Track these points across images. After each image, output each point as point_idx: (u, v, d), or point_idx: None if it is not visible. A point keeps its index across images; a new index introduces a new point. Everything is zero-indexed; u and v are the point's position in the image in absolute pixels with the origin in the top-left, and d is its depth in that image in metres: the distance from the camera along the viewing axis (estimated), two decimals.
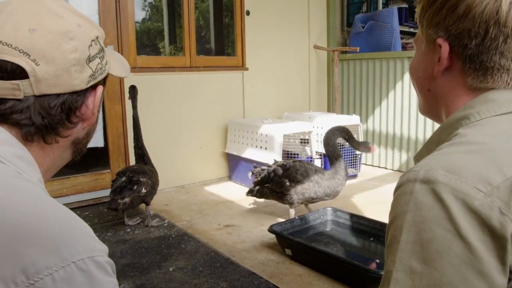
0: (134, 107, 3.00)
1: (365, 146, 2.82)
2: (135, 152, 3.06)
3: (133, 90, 3.03)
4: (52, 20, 0.64)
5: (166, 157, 3.78)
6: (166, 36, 4.08)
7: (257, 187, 2.98)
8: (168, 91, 3.77)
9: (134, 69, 3.48)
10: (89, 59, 0.66)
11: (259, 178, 2.96)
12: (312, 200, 2.85)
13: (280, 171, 2.83)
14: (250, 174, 3.08)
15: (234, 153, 3.90)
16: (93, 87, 0.69)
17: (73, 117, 0.67)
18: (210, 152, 4.08)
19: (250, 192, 3.04)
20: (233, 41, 4.21)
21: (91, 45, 0.66)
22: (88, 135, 0.74)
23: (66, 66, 0.63)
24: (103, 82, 0.73)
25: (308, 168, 2.84)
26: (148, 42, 3.95)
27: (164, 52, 4.05)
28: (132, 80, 3.34)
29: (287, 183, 2.79)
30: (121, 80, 3.47)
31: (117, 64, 0.77)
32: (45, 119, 0.64)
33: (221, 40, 4.33)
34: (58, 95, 0.63)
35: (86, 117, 0.69)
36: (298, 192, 2.79)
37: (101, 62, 0.69)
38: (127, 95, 3.17)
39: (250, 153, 3.74)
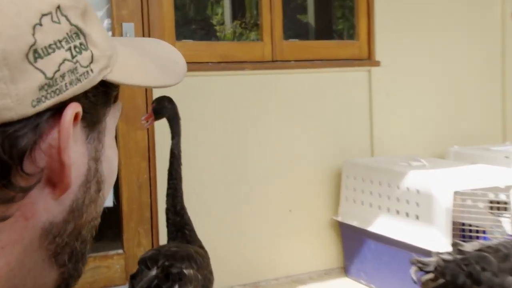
0: (176, 134, 2.84)
1: None
2: (169, 218, 2.86)
3: (169, 106, 2.85)
4: None
5: (225, 228, 3.64)
6: (227, 4, 4.09)
7: None
8: (230, 105, 3.65)
9: None
10: (36, 54, 0.57)
11: (440, 280, 2.63)
12: None
13: (492, 260, 2.54)
14: (413, 270, 2.71)
15: (355, 223, 3.66)
16: (56, 111, 0.60)
17: (17, 177, 0.57)
18: (307, 220, 3.84)
19: None
20: (351, 11, 4.17)
21: (39, 23, 0.58)
22: (78, 214, 0.65)
23: None
24: (95, 98, 0.64)
25: None
26: (194, 16, 3.96)
27: (223, 34, 4.06)
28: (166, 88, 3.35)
29: None
30: (147, 89, 3.43)
31: (140, 62, 0.70)
32: None
33: (327, 10, 4.34)
34: None
35: (51, 173, 0.60)
36: None
37: (74, 57, 0.60)
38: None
39: (385, 225, 3.48)
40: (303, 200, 3.84)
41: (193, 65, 3.50)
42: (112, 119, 0.69)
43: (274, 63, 3.75)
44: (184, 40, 3.69)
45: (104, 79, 0.64)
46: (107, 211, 3.13)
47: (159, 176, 3.36)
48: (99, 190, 0.67)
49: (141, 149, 3.48)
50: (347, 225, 3.73)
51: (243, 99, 3.69)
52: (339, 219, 3.78)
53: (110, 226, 3.50)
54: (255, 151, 3.75)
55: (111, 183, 0.70)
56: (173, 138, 2.85)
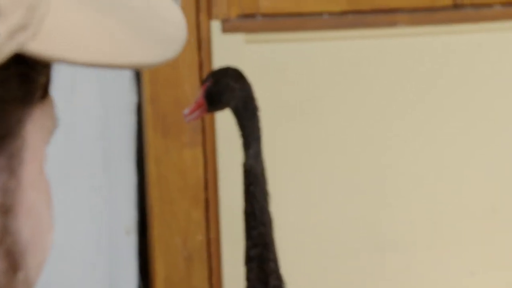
0: (252, 139, 2.42)
1: None
2: None
3: (236, 86, 2.41)
4: None
5: None
6: None
7: None
8: (366, 90, 2.96)
9: (250, 19, 3.03)
10: None
11: None
12: None
13: None
14: None
15: None
16: None
17: None
18: None
19: None
20: None
21: None
22: None
23: None
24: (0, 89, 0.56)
25: None
26: None
27: None
28: (239, 58, 2.80)
29: None
30: (202, 67, 2.98)
31: (94, 19, 0.56)
32: None
33: None
34: None
35: None
36: None
37: None
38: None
39: None
40: None
41: (292, 20, 2.78)
42: (37, 132, 0.48)
43: (457, 11, 2.79)
44: None
45: (20, 51, 0.43)
46: None
47: (226, 235, 2.59)
48: (14, 269, 0.47)
49: (191, 184, 2.77)
50: None
51: (392, 80, 2.73)
52: None
53: None
54: (414, 186, 2.74)
55: (41, 256, 0.50)
56: (247, 147, 2.28)
